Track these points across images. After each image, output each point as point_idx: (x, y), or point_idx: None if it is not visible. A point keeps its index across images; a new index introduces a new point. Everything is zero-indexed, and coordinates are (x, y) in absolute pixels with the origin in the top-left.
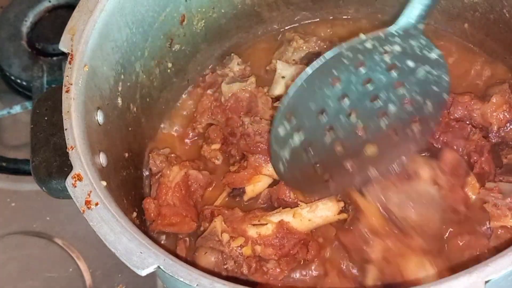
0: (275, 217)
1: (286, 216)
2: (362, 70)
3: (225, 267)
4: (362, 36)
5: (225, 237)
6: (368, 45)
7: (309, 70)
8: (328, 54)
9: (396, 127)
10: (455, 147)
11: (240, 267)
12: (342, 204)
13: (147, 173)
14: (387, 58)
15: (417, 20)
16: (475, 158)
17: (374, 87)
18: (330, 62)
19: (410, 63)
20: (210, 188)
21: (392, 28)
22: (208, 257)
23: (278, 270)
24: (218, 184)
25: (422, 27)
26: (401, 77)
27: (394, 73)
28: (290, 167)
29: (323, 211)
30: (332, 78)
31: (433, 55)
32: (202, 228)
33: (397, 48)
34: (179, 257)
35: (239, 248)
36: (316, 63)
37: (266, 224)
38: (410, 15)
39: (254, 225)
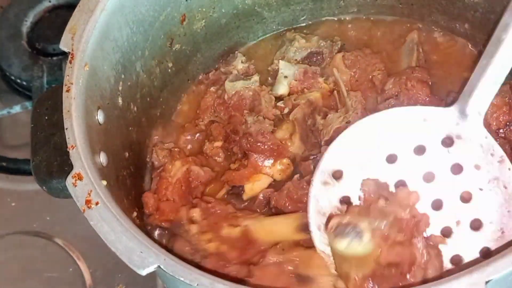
0: (245, 222)
1: (252, 223)
2: (422, 158)
3: (195, 257)
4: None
5: (193, 228)
6: (430, 124)
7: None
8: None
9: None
10: None
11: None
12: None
13: (147, 172)
14: (451, 153)
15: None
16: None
17: (437, 188)
18: (381, 123)
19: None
20: (210, 186)
21: (451, 109)
22: (184, 244)
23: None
24: (218, 181)
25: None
26: (467, 184)
27: (459, 177)
28: None
29: (283, 225)
30: (387, 151)
31: (497, 156)
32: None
33: (461, 136)
34: (177, 255)
35: (206, 242)
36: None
37: (237, 226)
38: (475, 101)
39: (230, 225)
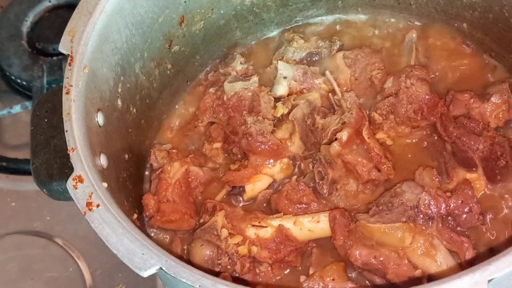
0: (276, 221)
1: (287, 222)
2: None
3: (218, 262)
4: None
5: (224, 232)
6: None
7: None
8: None
9: None
10: (467, 142)
11: (234, 264)
12: None
13: (147, 173)
14: None
15: None
16: (501, 151)
17: None
18: None
19: None
20: (210, 186)
21: None
22: (204, 249)
23: (270, 274)
24: (218, 181)
25: None
26: None
27: None
28: None
29: (325, 223)
30: None
31: None
32: (202, 220)
33: None
34: (178, 256)
35: (236, 246)
36: None
37: (266, 227)
38: None
39: (253, 225)
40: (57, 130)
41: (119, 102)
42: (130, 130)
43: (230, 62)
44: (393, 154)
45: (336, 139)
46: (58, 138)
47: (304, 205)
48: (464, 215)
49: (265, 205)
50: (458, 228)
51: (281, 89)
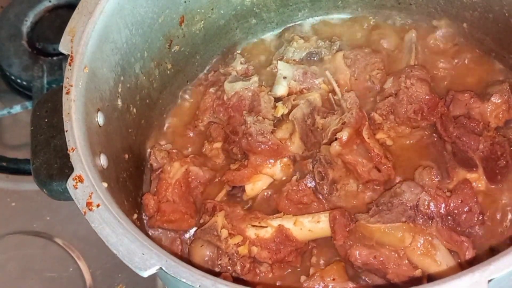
0: (276, 222)
1: (287, 223)
2: None
3: (219, 262)
4: None
5: (224, 233)
6: None
7: None
8: None
9: None
10: (467, 142)
11: (234, 265)
12: None
13: (147, 173)
14: None
15: None
16: (501, 151)
17: None
18: None
19: None
20: (210, 186)
21: None
22: (204, 250)
23: (270, 274)
24: (218, 181)
25: None
26: None
27: None
28: None
29: (325, 223)
30: None
31: None
32: (202, 221)
33: None
34: (178, 256)
35: (236, 246)
36: None
37: (266, 227)
38: None
39: (253, 226)
40: (57, 130)
41: (119, 102)
42: (130, 130)
43: (230, 62)
44: (393, 154)
45: (336, 139)
46: (58, 138)
47: (304, 205)
48: (464, 215)
49: (265, 205)
50: (458, 228)
51: (281, 89)
